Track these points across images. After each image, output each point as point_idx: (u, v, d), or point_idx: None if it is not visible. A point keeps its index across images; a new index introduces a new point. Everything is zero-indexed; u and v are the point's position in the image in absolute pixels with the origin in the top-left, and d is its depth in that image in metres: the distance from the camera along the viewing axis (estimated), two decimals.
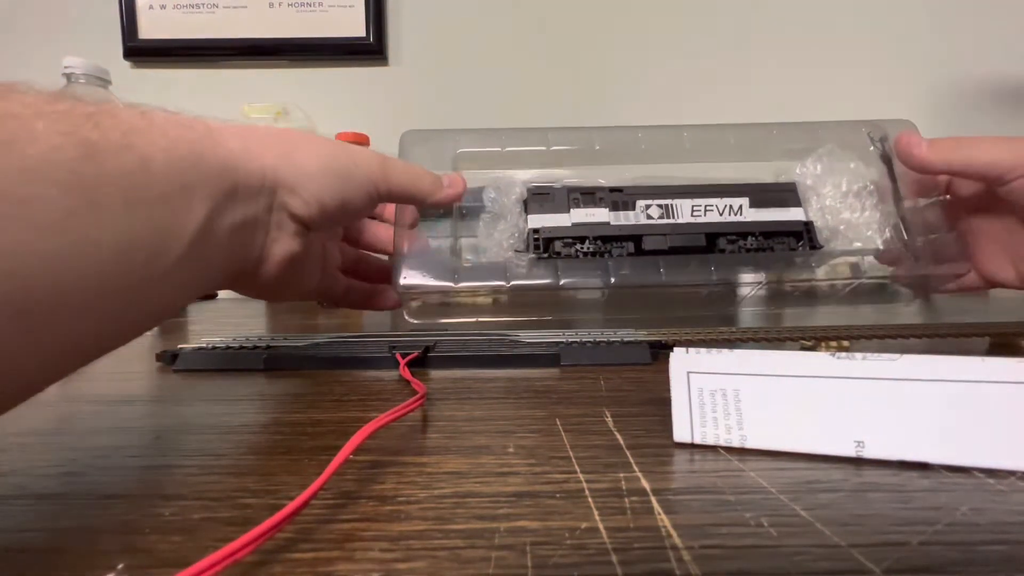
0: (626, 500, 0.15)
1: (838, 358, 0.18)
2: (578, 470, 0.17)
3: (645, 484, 0.16)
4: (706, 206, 0.39)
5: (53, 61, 0.60)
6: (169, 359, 0.33)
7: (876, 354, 0.18)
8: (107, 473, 0.18)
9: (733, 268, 0.38)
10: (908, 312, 0.59)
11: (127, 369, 0.33)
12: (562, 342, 0.33)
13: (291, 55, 0.91)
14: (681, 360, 0.19)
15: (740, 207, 0.39)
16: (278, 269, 0.28)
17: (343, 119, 0.86)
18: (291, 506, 0.13)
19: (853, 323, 0.38)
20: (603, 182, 0.41)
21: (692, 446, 0.19)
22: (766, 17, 0.90)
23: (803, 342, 0.33)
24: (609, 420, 0.22)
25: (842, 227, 0.39)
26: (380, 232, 0.40)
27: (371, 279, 0.41)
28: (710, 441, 0.19)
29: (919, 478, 0.16)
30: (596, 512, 0.15)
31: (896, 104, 0.89)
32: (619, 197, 0.39)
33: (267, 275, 0.28)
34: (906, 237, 0.38)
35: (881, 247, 0.38)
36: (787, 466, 0.17)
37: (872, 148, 0.40)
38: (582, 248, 0.38)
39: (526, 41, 0.92)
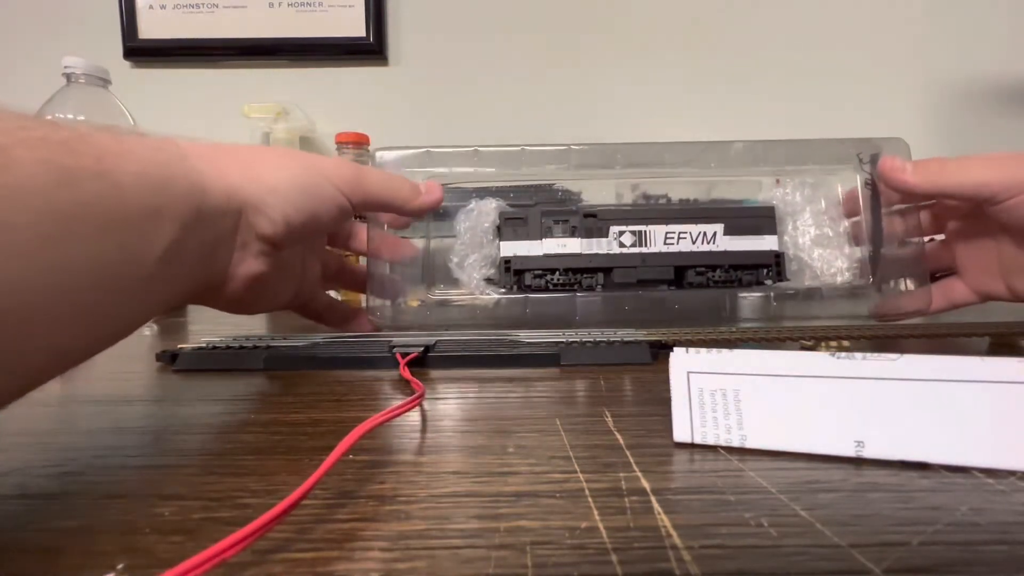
0: (626, 500, 0.15)
1: (838, 358, 0.18)
2: (578, 470, 0.17)
3: (645, 484, 0.16)
4: (679, 233, 0.39)
5: (53, 61, 0.61)
6: (169, 359, 0.33)
7: (876, 354, 0.18)
8: (107, 473, 0.18)
9: (698, 303, 0.40)
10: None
11: (127, 369, 0.33)
12: (562, 342, 0.33)
13: (291, 55, 0.91)
14: (681, 360, 0.19)
15: (714, 235, 0.39)
16: (243, 288, 0.28)
17: (343, 119, 0.86)
18: (283, 503, 0.13)
19: (853, 323, 0.38)
20: (583, 198, 0.41)
21: (692, 446, 0.19)
22: (764, 33, 0.90)
23: (803, 342, 0.33)
24: (609, 420, 0.22)
25: (815, 256, 0.39)
26: (371, 239, 0.39)
27: (355, 288, 0.41)
28: (710, 441, 0.19)
29: (919, 478, 0.16)
30: (596, 512, 0.15)
31: (896, 114, 0.89)
32: (592, 224, 0.39)
33: (232, 293, 0.28)
34: (873, 269, 0.38)
35: (848, 280, 0.39)
36: (787, 466, 0.17)
37: (860, 171, 0.39)
38: (552, 279, 0.39)
39: (526, 41, 0.92)
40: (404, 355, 0.30)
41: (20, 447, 0.21)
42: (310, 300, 0.37)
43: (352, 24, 0.90)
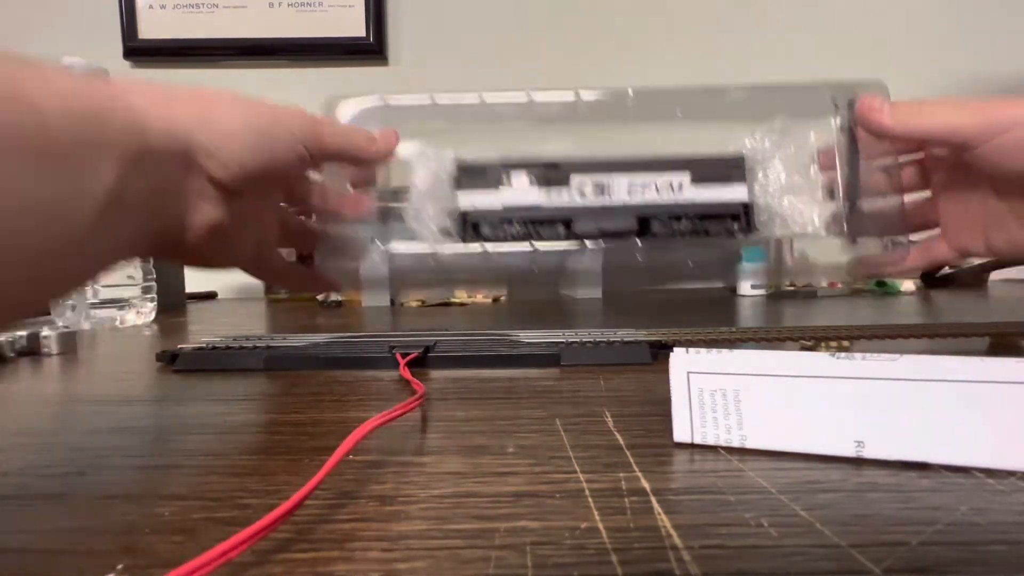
0: (626, 500, 0.15)
1: (838, 358, 0.18)
2: (578, 470, 0.17)
3: (645, 484, 0.16)
4: (644, 183, 0.37)
5: (53, 60, 0.60)
6: (169, 359, 0.33)
7: (876, 354, 0.18)
8: (107, 473, 0.18)
9: (663, 252, 0.37)
10: (908, 311, 0.60)
11: (127, 369, 0.33)
12: (562, 342, 0.33)
13: (291, 55, 0.91)
14: (681, 360, 0.19)
15: (680, 184, 0.37)
16: (202, 238, 0.26)
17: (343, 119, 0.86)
18: (286, 505, 0.13)
19: (853, 323, 0.38)
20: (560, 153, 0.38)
21: (692, 446, 0.19)
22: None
23: (803, 342, 0.33)
24: (609, 420, 0.22)
25: (785, 205, 0.36)
26: (330, 196, 0.36)
27: (308, 247, 0.38)
28: (710, 441, 0.19)
29: (919, 478, 0.16)
30: (596, 512, 0.15)
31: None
32: (553, 174, 0.37)
33: (192, 244, 0.26)
34: (848, 222, 0.36)
35: (823, 232, 0.36)
36: (787, 466, 0.17)
37: (836, 116, 0.37)
38: (511, 231, 0.37)
39: (526, 41, 0.92)
40: (404, 355, 0.30)
41: (20, 447, 0.21)
42: (270, 259, 0.34)
43: (352, 24, 0.90)
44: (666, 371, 0.19)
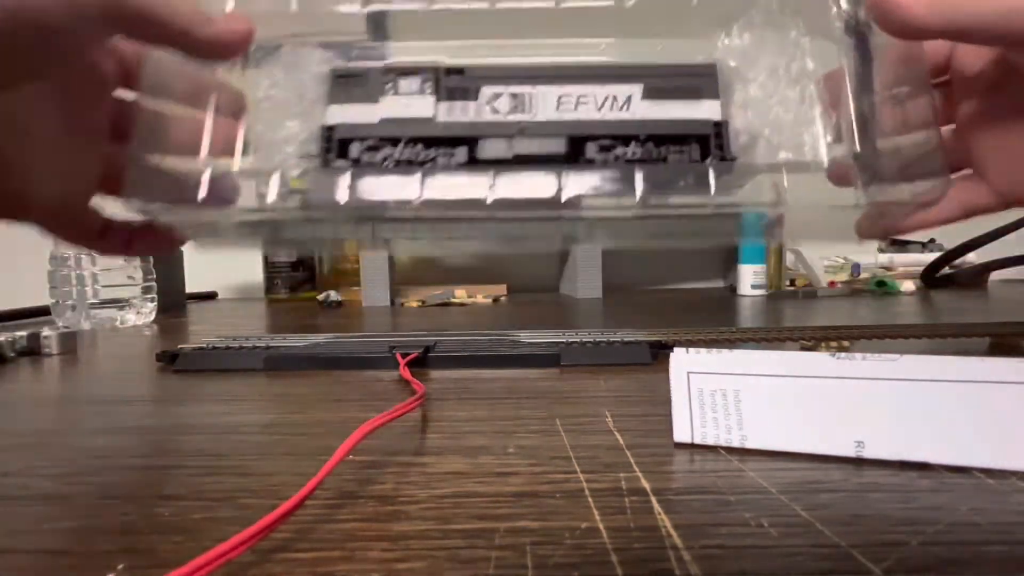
0: (626, 500, 0.15)
1: (838, 358, 0.18)
2: (578, 470, 0.17)
3: (645, 484, 0.16)
4: (579, 96, 0.27)
5: None
6: (169, 359, 0.33)
7: (876, 354, 0.18)
8: (107, 473, 0.18)
9: (605, 184, 0.26)
10: (908, 311, 0.60)
11: (127, 369, 0.33)
12: (562, 342, 0.33)
13: None
14: (681, 360, 0.19)
15: (628, 99, 0.27)
16: None
17: None
18: (286, 505, 0.13)
19: (853, 323, 0.38)
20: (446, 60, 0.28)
21: (692, 446, 0.19)
22: None
23: (803, 342, 0.33)
24: (609, 420, 0.22)
25: (767, 130, 0.26)
26: (190, 124, 0.24)
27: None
28: (710, 441, 0.19)
29: (919, 478, 0.16)
30: (596, 512, 0.15)
31: None
32: (456, 82, 0.27)
33: None
34: (859, 143, 0.25)
35: (824, 160, 0.25)
36: (787, 466, 0.17)
37: (835, 10, 0.27)
38: (393, 153, 0.26)
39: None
40: (404, 355, 0.30)
41: (20, 447, 0.21)
42: (83, 210, 0.24)
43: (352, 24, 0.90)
44: (666, 371, 0.19)
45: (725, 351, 0.19)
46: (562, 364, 0.31)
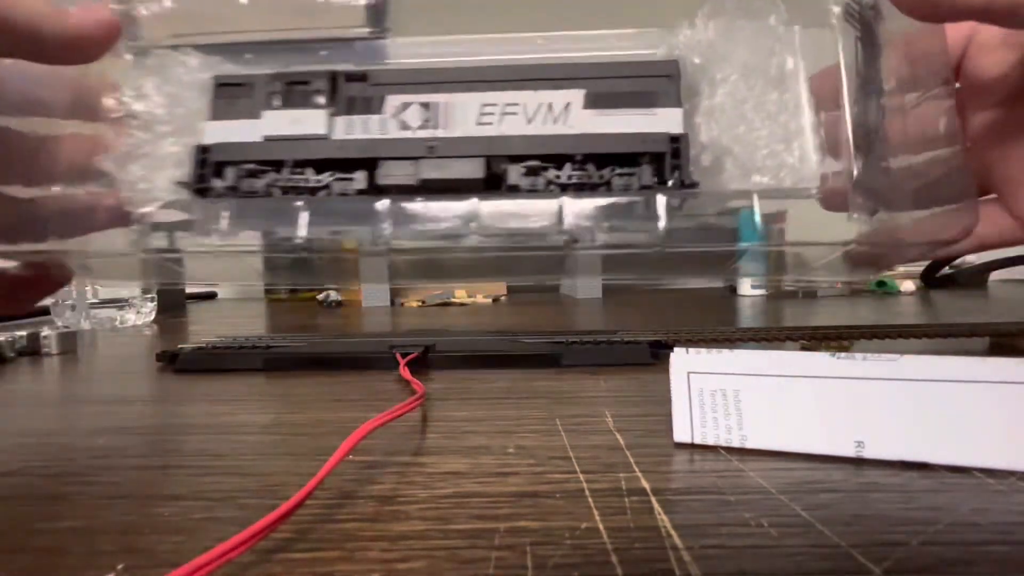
0: (626, 500, 0.15)
1: (838, 358, 0.18)
2: (578, 470, 0.17)
3: (645, 484, 0.16)
4: (505, 106, 0.22)
5: None
6: (169, 359, 0.33)
7: (876, 354, 0.18)
8: (107, 473, 0.18)
9: (530, 218, 0.21)
10: (908, 311, 0.60)
11: (127, 369, 0.33)
12: (562, 342, 0.33)
13: None
14: (681, 360, 0.19)
15: (566, 107, 0.22)
16: None
17: None
18: (286, 505, 0.13)
19: (853, 323, 0.38)
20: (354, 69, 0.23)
21: (692, 446, 0.19)
22: None
23: (803, 342, 0.33)
24: (609, 420, 0.22)
25: (738, 147, 0.20)
26: (81, 145, 0.20)
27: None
28: (710, 441, 0.19)
29: (919, 478, 0.16)
30: (596, 512, 0.15)
31: None
32: (357, 91, 0.22)
33: None
34: (861, 160, 0.19)
35: (813, 186, 0.19)
36: (787, 466, 0.17)
37: None
38: (276, 179, 0.21)
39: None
40: (404, 355, 0.30)
41: (20, 447, 0.21)
42: None
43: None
44: (666, 371, 0.19)
45: (725, 351, 0.19)
46: (562, 364, 0.31)
